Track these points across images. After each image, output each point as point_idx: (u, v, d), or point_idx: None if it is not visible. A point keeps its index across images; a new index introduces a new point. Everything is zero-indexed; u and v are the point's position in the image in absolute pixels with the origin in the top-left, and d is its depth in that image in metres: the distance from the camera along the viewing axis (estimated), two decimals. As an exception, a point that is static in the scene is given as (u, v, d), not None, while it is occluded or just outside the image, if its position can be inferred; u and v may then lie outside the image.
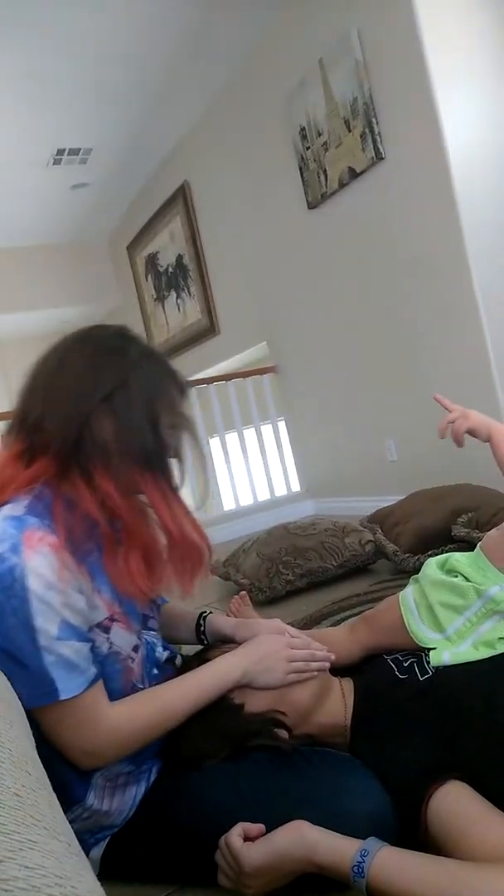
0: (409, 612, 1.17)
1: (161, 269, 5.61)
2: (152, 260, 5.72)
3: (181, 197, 5.02)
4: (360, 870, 0.76)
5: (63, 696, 0.85)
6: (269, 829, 0.83)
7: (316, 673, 1.05)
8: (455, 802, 0.84)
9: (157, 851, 0.97)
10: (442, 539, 2.27)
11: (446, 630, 1.12)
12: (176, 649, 1.17)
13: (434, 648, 1.11)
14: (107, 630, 0.94)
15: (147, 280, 5.91)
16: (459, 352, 3.03)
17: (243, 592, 1.54)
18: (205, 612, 1.21)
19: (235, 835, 0.83)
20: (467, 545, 2.10)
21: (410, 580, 1.27)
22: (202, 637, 1.20)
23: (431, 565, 1.22)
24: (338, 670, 1.13)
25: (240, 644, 1.10)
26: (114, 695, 0.93)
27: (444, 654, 1.09)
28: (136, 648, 0.99)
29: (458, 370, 3.05)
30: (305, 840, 0.80)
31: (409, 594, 1.21)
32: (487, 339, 2.89)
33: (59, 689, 0.85)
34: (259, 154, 4.08)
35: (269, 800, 0.91)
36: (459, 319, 2.98)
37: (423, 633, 1.14)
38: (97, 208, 5.76)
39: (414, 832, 0.85)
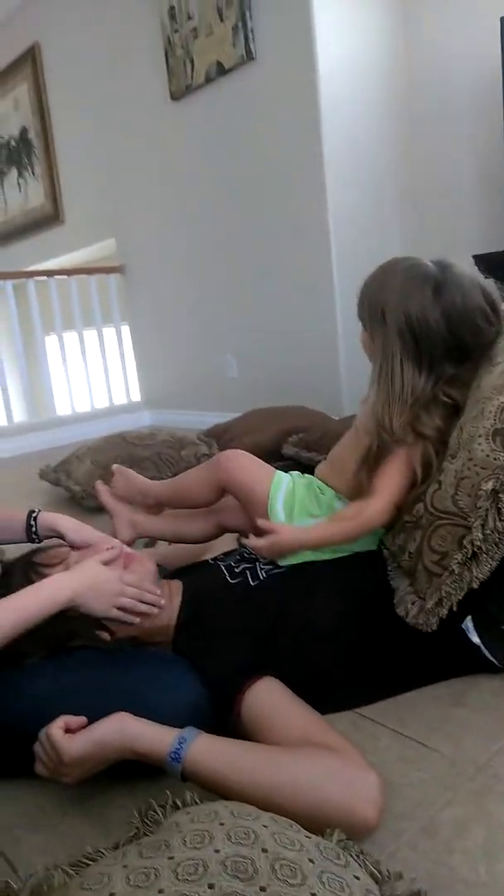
0: (279, 487, 1.21)
1: (2, 141, 5.02)
2: (-9, 128, 5.09)
3: (30, 60, 4.46)
4: (178, 756, 0.81)
5: None
6: (91, 721, 0.85)
7: (138, 620, 1.03)
8: (266, 696, 0.92)
9: None
10: (274, 456, 2.36)
11: (293, 522, 1.19)
12: None
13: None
14: None
15: (-16, 151, 5.26)
16: (306, 274, 3.07)
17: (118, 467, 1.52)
18: (34, 510, 1.17)
19: (56, 727, 0.84)
20: (295, 463, 2.21)
21: (290, 472, 1.29)
22: (33, 536, 1.16)
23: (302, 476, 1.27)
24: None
25: (72, 546, 1.10)
26: None
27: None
28: None
29: (303, 293, 3.10)
30: (126, 730, 0.83)
31: (285, 478, 1.24)
32: (333, 261, 2.94)
33: None
34: (123, 30, 3.71)
35: (90, 693, 0.93)
36: (310, 240, 3.01)
37: (277, 509, 1.19)
38: None
39: (227, 725, 0.91)
